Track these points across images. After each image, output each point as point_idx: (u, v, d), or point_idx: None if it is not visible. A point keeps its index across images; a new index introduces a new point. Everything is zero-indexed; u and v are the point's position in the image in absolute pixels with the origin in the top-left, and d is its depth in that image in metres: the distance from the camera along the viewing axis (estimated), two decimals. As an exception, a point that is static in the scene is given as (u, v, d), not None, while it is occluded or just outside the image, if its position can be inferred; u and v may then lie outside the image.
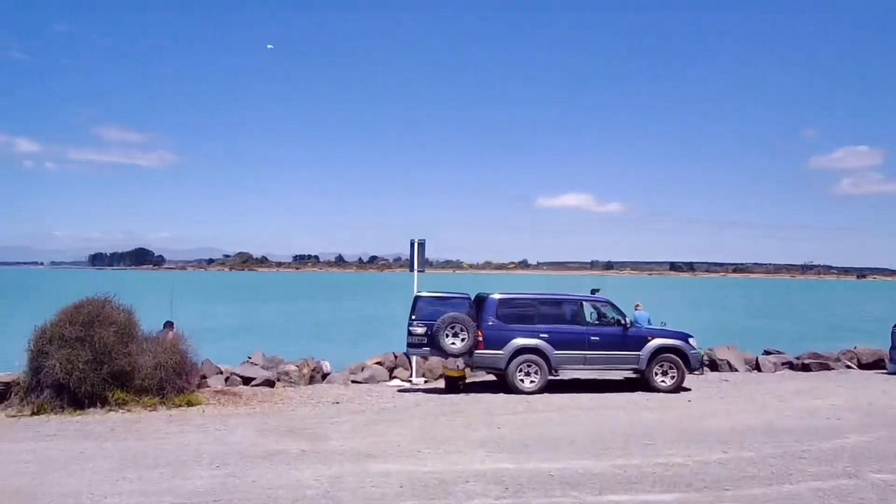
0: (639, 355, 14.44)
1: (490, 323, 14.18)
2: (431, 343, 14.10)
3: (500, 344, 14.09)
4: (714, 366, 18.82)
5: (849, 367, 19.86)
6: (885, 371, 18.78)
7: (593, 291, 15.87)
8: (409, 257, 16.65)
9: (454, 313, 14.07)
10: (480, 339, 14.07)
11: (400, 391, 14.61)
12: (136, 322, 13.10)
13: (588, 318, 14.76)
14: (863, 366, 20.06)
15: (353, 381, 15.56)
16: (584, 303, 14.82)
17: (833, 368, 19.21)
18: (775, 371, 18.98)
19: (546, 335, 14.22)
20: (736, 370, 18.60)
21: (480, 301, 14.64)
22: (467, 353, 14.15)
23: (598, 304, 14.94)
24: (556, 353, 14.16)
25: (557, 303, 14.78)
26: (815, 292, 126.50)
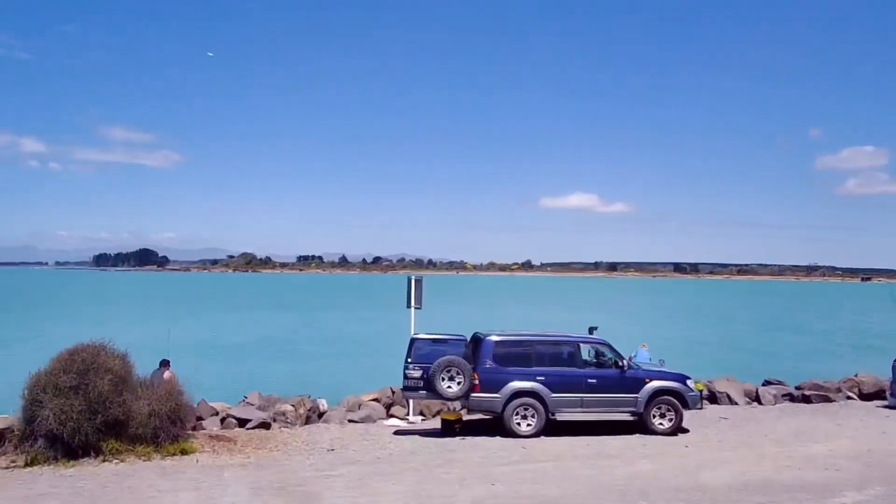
0: (636, 398, 14.36)
1: (487, 366, 14.11)
2: (428, 386, 14.04)
3: (496, 387, 14.02)
4: (713, 398, 18.73)
5: (850, 398, 19.75)
6: (885, 403, 18.66)
7: (591, 330, 15.80)
8: (406, 294, 16.52)
9: (450, 357, 14.00)
10: (477, 382, 14.00)
11: (396, 433, 14.54)
12: (131, 368, 13.05)
13: (586, 359, 14.68)
14: (864, 396, 19.96)
15: (349, 421, 15.49)
16: (581, 344, 14.74)
17: (834, 401, 19.08)
18: (775, 403, 18.87)
19: (543, 378, 14.14)
20: (736, 403, 18.49)
21: (477, 342, 14.57)
22: (464, 397, 14.09)
23: (596, 346, 14.86)
24: (553, 396, 14.08)
25: (555, 344, 14.69)
26: (819, 298, 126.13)
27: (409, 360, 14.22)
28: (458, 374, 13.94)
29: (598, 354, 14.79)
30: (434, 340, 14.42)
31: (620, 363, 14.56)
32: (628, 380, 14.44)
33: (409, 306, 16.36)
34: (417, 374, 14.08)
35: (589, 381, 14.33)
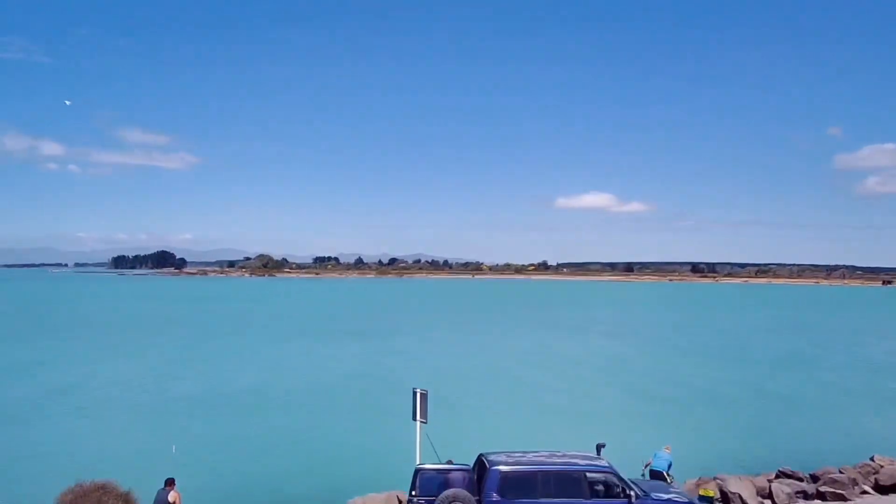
0: (643, 529, 14.11)
1: (493, 498, 13.92)
2: (432, 520, 13.88)
3: (501, 521, 13.83)
4: (726, 499, 18.44)
5: (865, 492, 19.40)
6: (903, 502, 18.29)
7: (599, 448, 15.55)
8: (412, 405, 16.37)
9: (455, 490, 13.83)
10: (482, 515, 13.82)
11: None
12: (134, 505, 13.07)
13: (592, 488, 14.41)
14: (881, 488, 19.61)
15: (354, 541, 15.38)
16: (587, 473, 14.49)
17: (849, 499, 18.71)
18: (789, 502, 18.54)
19: (549, 510, 13.92)
20: (747, 504, 18.19)
21: (482, 469, 14.39)
22: (468, 530, 13.91)
23: (603, 474, 14.58)
24: (558, 530, 13.87)
25: (560, 473, 14.44)
26: (839, 310, 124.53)
27: (414, 492, 14.08)
28: (462, 507, 13.77)
29: (605, 482, 14.51)
30: (438, 472, 14.26)
31: (628, 492, 14.31)
32: (636, 510, 14.19)
33: (414, 419, 16.21)
34: (422, 507, 13.92)
35: (595, 512, 14.09)
